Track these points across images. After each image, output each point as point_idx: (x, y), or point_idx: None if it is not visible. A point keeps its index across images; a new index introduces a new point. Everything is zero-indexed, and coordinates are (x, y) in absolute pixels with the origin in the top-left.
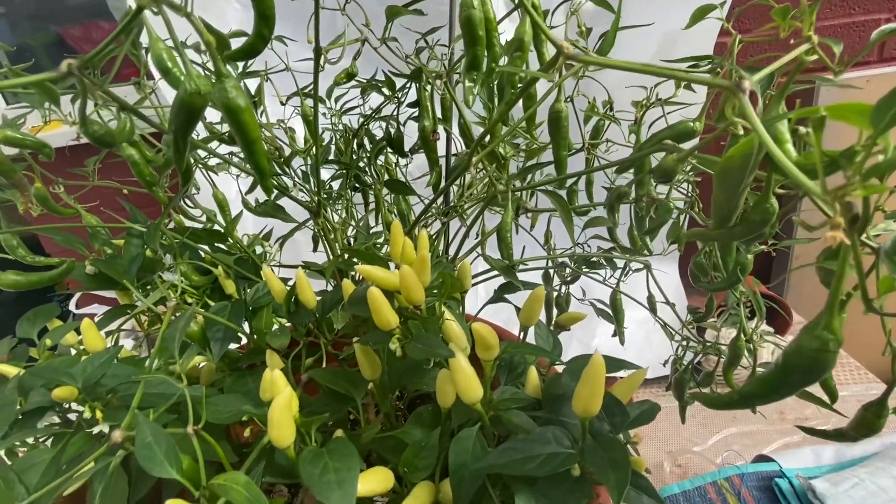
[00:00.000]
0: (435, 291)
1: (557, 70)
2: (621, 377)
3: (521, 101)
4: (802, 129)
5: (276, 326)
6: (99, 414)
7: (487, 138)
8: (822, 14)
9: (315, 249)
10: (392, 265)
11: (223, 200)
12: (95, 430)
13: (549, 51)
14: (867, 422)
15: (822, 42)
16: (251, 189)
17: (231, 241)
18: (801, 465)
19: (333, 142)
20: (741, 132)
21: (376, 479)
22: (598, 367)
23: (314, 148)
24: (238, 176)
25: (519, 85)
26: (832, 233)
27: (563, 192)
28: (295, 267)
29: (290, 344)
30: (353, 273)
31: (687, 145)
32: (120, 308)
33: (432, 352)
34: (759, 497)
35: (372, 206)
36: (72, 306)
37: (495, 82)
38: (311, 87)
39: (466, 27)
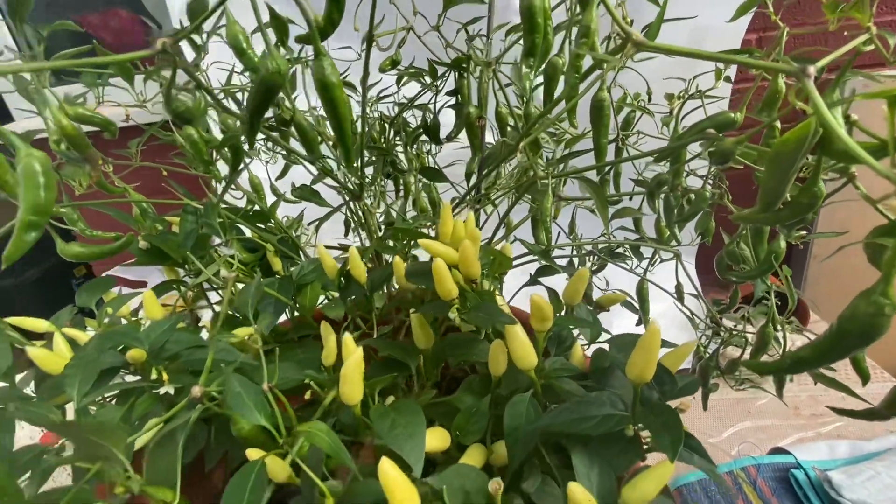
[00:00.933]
0: (484, 271)
1: (626, 56)
2: None
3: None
4: (854, 116)
5: (322, 300)
6: (165, 376)
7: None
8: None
9: (346, 234)
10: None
11: (259, 184)
12: (162, 391)
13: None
14: None
15: (879, 33)
16: (281, 175)
17: (273, 222)
18: (817, 458)
19: (368, 129)
20: (778, 124)
21: (437, 437)
22: (654, 335)
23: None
24: (267, 162)
25: (583, 70)
26: None
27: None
28: (332, 248)
29: None
30: (388, 257)
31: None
32: (167, 283)
33: (494, 319)
34: (776, 487)
35: (402, 192)
36: None
37: (542, 70)
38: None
39: (527, 15)
